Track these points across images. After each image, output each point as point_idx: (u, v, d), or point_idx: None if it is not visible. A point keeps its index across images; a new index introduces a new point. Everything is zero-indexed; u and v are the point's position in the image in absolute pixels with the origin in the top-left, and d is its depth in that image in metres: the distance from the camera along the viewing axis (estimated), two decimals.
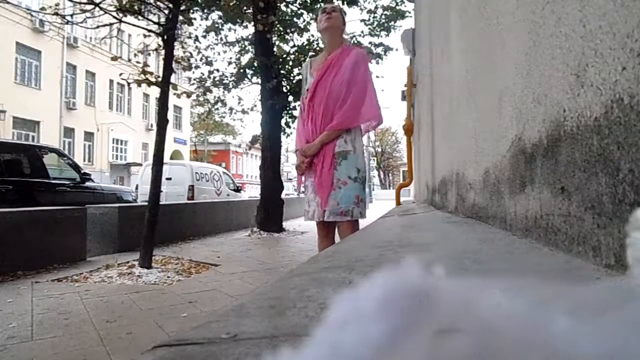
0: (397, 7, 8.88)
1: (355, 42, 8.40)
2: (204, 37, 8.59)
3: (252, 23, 7.38)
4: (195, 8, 7.23)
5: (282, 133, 8.39)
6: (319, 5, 8.31)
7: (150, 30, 4.68)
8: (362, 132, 2.38)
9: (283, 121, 8.33)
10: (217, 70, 8.94)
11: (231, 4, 6.89)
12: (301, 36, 8.67)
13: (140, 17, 4.55)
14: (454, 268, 0.70)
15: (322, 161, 2.27)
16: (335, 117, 2.24)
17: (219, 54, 9.65)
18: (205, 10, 7.57)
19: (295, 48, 8.50)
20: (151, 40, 4.97)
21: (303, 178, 2.43)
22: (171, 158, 22.84)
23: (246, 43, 9.07)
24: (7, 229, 3.73)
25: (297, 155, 2.42)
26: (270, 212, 7.57)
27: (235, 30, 9.11)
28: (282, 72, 7.88)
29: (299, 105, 2.61)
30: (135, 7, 4.43)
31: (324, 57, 2.41)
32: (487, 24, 1.33)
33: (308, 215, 2.38)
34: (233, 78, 8.75)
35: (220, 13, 7.84)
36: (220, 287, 3.45)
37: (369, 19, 8.95)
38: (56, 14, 4.70)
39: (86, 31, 16.04)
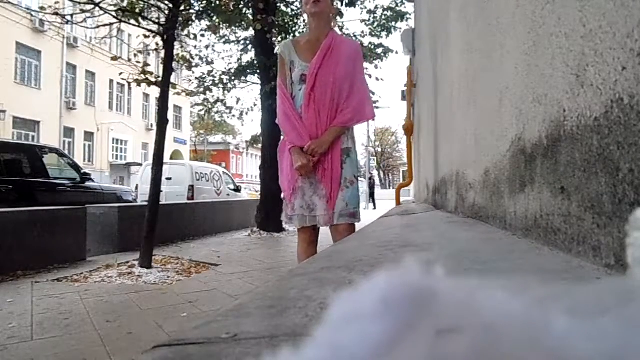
0: (397, 8, 8.87)
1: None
2: (202, 35, 8.59)
3: (253, 23, 7.38)
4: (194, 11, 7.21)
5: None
6: None
7: (150, 30, 4.68)
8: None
9: None
10: (217, 71, 8.93)
11: (230, 4, 6.88)
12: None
13: (140, 18, 4.55)
14: (454, 268, 0.70)
15: (330, 159, 2.06)
16: (346, 112, 2.06)
17: (219, 53, 9.55)
18: (205, 14, 7.54)
19: None
20: (151, 41, 4.97)
21: (299, 182, 2.10)
22: (171, 158, 22.81)
23: (247, 42, 9.06)
24: (7, 229, 3.73)
25: (295, 154, 2.06)
26: (270, 212, 7.57)
27: (235, 32, 9.09)
28: None
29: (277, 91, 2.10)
30: (137, 10, 4.43)
31: (311, 40, 2.15)
32: (487, 24, 1.33)
33: (309, 220, 2.08)
34: (232, 77, 8.74)
35: (217, 19, 7.81)
36: (220, 287, 3.45)
37: (369, 19, 8.95)
38: (56, 13, 4.71)
39: (86, 31, 16.03)
